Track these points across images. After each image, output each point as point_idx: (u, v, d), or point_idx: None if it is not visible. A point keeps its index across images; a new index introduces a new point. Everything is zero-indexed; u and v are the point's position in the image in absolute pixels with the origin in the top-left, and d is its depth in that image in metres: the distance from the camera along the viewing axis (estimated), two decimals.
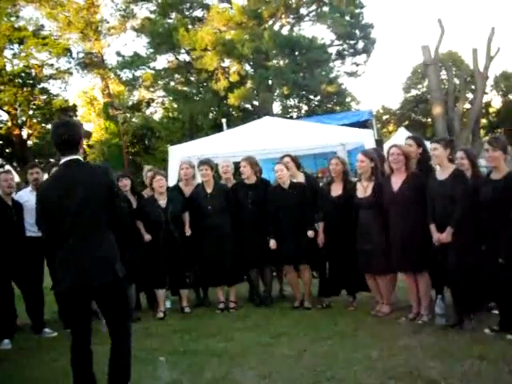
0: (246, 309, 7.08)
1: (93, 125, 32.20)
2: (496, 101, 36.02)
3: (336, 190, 6.65)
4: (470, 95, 27.92)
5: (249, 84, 24.43)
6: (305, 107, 27.68)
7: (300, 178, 7.15)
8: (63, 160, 3.83)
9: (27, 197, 6.54)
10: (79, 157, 3.86)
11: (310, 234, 6.70)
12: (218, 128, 18.08)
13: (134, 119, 29.19)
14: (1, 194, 6.33)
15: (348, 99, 28.01)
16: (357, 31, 25.69)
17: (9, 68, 26.59)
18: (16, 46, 26.53)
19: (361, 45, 26.37)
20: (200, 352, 5.32)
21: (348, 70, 27.50)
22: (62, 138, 3.80)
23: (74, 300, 3.77)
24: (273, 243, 6.85)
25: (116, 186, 4.07)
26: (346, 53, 26.77)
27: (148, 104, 30.10)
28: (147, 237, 6.95)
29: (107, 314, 3.96)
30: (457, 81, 26.83)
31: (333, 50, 26.43)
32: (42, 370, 5.19)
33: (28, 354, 5.75)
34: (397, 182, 5.89)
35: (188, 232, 7.03)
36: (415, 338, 5.24)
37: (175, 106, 26.89)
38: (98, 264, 3.73)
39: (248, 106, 26.29)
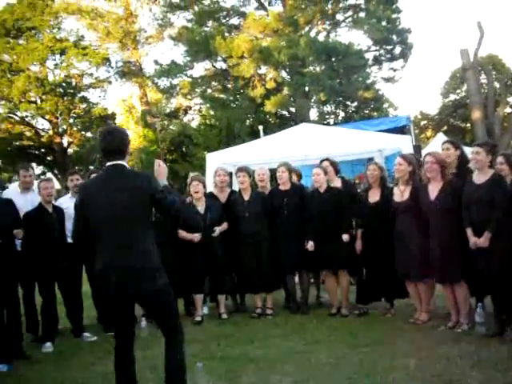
0: (283, 315, 7.07)
1: (131, 132, 32.64)
2: None
3: (373, 197, 6.61)
4: (510, 99, 27.34)
5: (285, 91, 24.41)
6: (342, 113, 27.47)
7: (337, 183, 7.13)
8: (107, 164, 3.79)
9: (67, 203, 6.62)
10: (124, 163, 3.81)
11: (345, 237, 6.66)
12: (254, 135, 18.09)
13: (171, 127, 29.38)
14: (41, 202, 6.48)
15: (385, 105, 27.67)
16: (394, 36, 25.39)
17: (51, 78, 27.21)
18: (58, 56, 27.14)
19: (398, 50, 26.04)
20: (237, 358, 5.33)
21: (385, 76, 27.19)
22: (109, 146, 3.77)
23: (116, 306, 3.78)
24: (310, 245, 6.84)
25: (160, 191, 3.84)
26: (382, 58, 26.47)
27: (185, 111, 30.31)
28: (196, 237, 6.88)
29: (153, 316, 4.02)
30: (497, 85, 26.27)
31: (369, 56, 26.15)
32: (81, 372, 5.28)
33: (68, 357, 5.86)
34: (433, 190, 5.82)
35: (216, 233, 6.91)
36: (454, 347, 5.14)
37: (212, 113, 27.01)
38: (138, 272, 3.66)
39: (285, 112, 26.26)
